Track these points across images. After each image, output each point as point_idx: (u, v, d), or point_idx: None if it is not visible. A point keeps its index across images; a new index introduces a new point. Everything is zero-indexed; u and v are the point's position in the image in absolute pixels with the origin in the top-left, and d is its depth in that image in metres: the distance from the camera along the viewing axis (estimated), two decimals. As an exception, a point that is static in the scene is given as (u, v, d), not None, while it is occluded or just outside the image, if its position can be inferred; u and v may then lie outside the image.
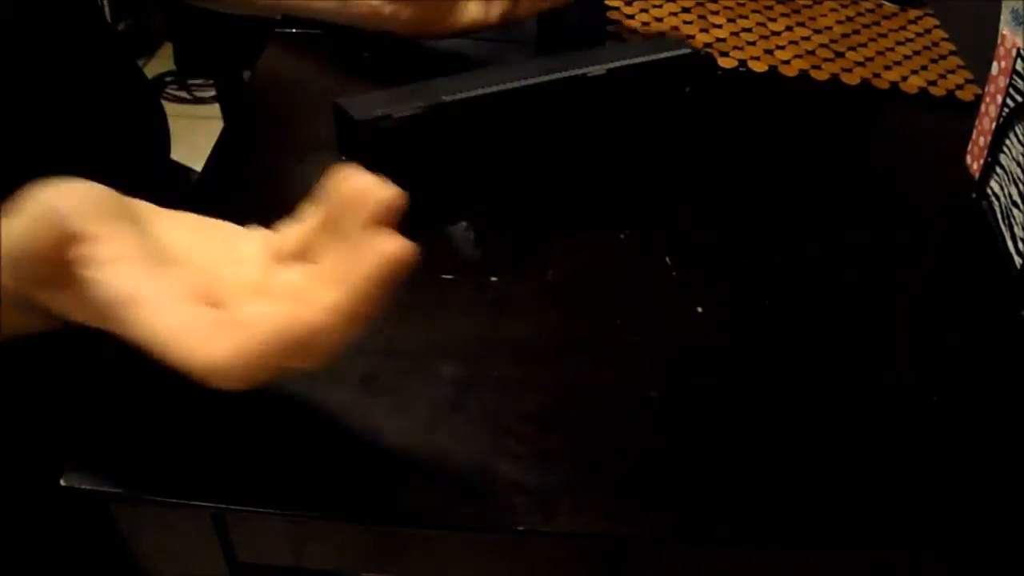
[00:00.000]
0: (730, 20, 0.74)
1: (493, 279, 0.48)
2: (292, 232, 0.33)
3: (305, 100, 0.60)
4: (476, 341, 0.44)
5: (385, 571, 0.46)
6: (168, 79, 2.09)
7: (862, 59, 0.71)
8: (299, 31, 0.66)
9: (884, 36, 0.75)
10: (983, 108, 0.59)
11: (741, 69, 0.68)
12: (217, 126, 0.63)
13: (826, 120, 0.67)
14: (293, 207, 0.34)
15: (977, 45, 0.67)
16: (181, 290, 0.30)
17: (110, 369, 0.41)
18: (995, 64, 0.58)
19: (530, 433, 0.40)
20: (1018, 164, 0.53)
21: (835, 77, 0.68)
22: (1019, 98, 0.53)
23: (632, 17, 0.73)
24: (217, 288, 0.31)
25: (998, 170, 0.55)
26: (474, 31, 0.62)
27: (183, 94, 2.07)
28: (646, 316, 0.47)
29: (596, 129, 0.59)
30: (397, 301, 0.46)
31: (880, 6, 0.79)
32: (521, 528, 0.37)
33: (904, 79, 0.69)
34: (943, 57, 0.73)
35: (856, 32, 0.75)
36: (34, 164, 0.34)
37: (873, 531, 0.38)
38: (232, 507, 0.37)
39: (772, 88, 0.67)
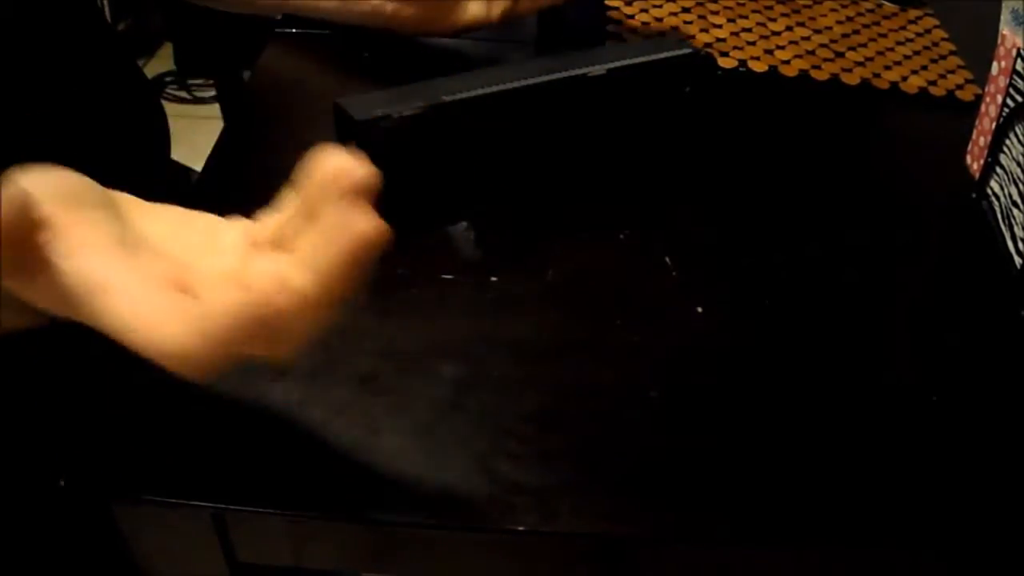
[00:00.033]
0: (730, 20, 0.74)
1: (493, 279, 0.48)
2: (271, 220, 0.33)
3: (305, 100, 0.60)
4: (476, 341, 0.44)
5: (385, 571, 0.46)
6: (168, 79, 2.09)
7: (862, 59, 0.71)
8: (299, 31, 0.66)
9: (884, 36, 0.75)
10: (983, 108, 0.59)
11: (741, 69, 0.68)
12: (217, 126, 0.63)
13: (826, 120, 0.67)
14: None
15: (977, 45, 0.67)
16: (151, 277, 0.29)
17: (110, 369, 0.41)
18: (995, 64, 0.57)
19: (530, 433, 0.40)
20: (1018, 164, 0.53)
21: (835, 77, 0.68)
22: (1019, 98, 0.53)
23: (632, 17, 0.73)
24: (191, 277, 0.31)
25: (998, 170, 0.55)
26: (475, 30, 0.62)
27: (183, 94, 2.07)
28: (646, 316, 0.47)
29: (596, 129, 0.59)
30: (397, 301, 0.47)
31: (880, 6, 0.79)
32: (521, 528, 0.37)
33: (904, 79, 0.69)
34: (943, 57, 0.73)
35: (856, 32, 0.75)
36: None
37: (873, 531, 0.38)
38: (232, 507, 0.37)
39: (772, 88, 0.67)
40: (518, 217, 0.53)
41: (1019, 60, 0.53)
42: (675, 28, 0.72)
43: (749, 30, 0.73)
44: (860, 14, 0.78)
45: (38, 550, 0.53)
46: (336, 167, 0.30)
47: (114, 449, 0.38)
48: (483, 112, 0.53)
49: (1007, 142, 0.54)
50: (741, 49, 0.70)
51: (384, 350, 0.43)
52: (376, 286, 0.48)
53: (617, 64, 0.57)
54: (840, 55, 0.71)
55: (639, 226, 0.53)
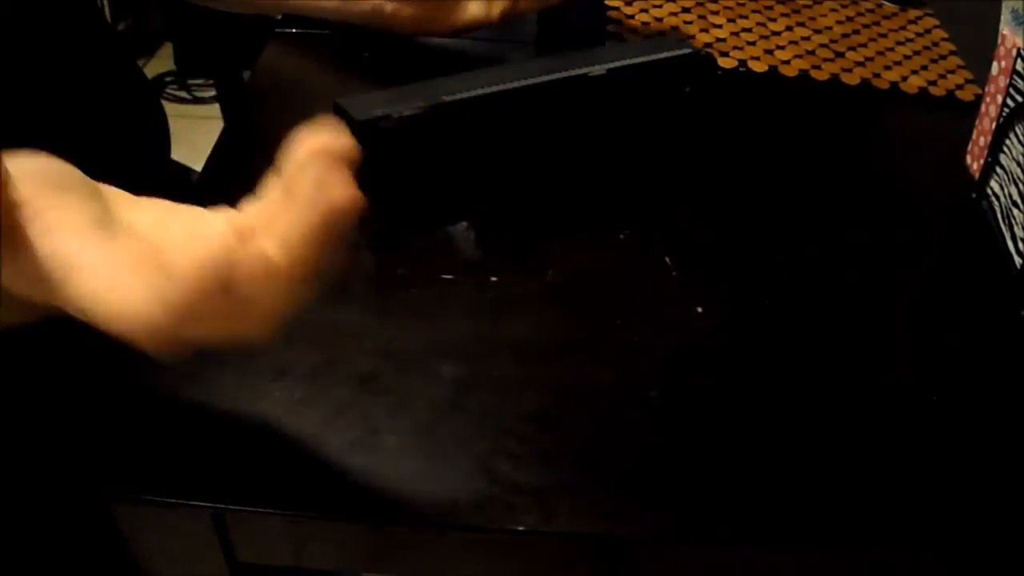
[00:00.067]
0: (730, 20, 0.74)
1: (493, 279, 0.48)
2: (254, 207, 0.33)
3: (305, 100, 0.60)
4: (476, 341, 0.44)
5: (385, 571, 0.46)
6: (168, 79, 2.09)
7: (862, 59, 0.71)
8: (299, 31, 0.66)
9: (884, 36, 0.75)
10: (983, 108, 0.59)
11: (741, 69, 0.68)
12: (217, 126, 0.63)
13: (826, 120, 0.67)
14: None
15: (977, 45, 0.67)
16: (124, 256, 0.29)
17: (110, 369, 0.41)
18: (995, 64, 0.57)
19: (530, 433, 0.40)
20: (1018, 164, 0.53)
21: (835, 77, 0.68)
22: (1019, 98, 0.53)
23: (632, 17, 0.73)
24: (167, 259, 0.31)
25: (998, 170, 0.55)
26: (475, 30, 0.62)
27: (183, 94, 2.07)
28: (646, 316, 0.47)
29: (596, 129, 0.59)
30: (397, 301, 0.47)
31: (880, 6, 0.79)
32: (521, 528, 0.37)
33: (904, 79, 0.69)
34: (943, 57, 0.73)
35: (856, 32, 0.75)
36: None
37: (873, 531, 0.38)
38: (232, 507, 0.37)
39: (772, 88, 0.67)
40: (518, 217, 0.53)
41: (1019, 60, 0.53)
42: (675, 28, 0.72)
43: (749, 30, 0.73)
44: (860, 14, 0.78)
45: (38, 550, 0.53)
46: (314, 141, 0.30)
47: (114, 449, 0.38)
48: (483, 112, 0.53)
49: (1007, 142, 0.54)
50: (741, 49, 0.70)
51: (384, 350, 0.43)
52: (376, 286, 0.48)
53: (617, 64, 0.57)
54: (840, 55, 0.71)
55: (639, 226, 0.53)
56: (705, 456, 0.40)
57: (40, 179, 0.30)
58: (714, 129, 0.63)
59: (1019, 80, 0.53)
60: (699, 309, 0.48)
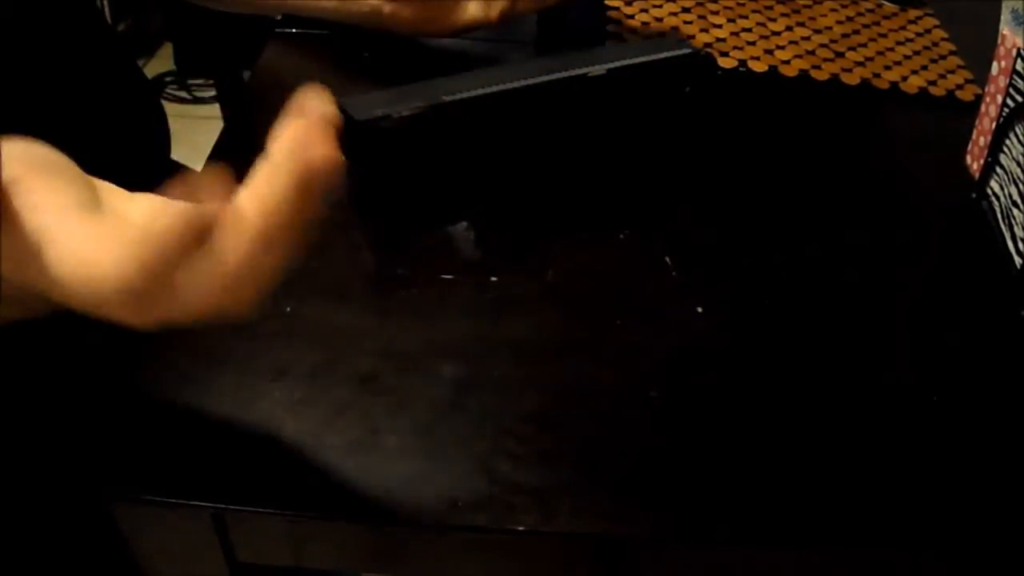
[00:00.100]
0: (730, 20, 0.74)
1: (493, 279, 0.48)
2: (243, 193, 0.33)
3: (305, 100, 0.60)
4: (476, 341, 0.44)
5: (385, 571, 0.46)
6: (168, 79, 2.09)
7: (862, 59, 0.71)
8: (299, 31, 0.66)
9: (884, 36, 0.75)
10: (983, 108, 0.59)
11: (741, 69, 0.68)
12: (217, 126, 0.63)
13: (826, 120, 0.67)
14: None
15: (977, 45, 0.67)
16: (103, 231, 0.29)
17: (110, 369, 0.41)
18: (995, 64, 0.57)
19: (530, 433, 0.40)
20: (1018, 164, 0.53)
21: (835, 77, 0.68)
22: (1019, 98, 0.53)
23: (632, 17, 0.73)
24: (142, 224, 0.30)
25: (998, 170, 0.55)
26: (474, 30, 0.62)
27: (183, 94, 2.07)
28: (646, 316, 0.47)
29: (596, 129, 0.59)
30: (397, 301, 0.47)
31: (880, 6, 0.79)
32: (521, 528, 0.37)
33: (904, 79, 0.69)
34: (943, 57, 0.73)
35: (856, 32, 0.75)
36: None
37: (873, 531, 0.38)
38: (232, 507, 0.37)
39: (772, 88, 0.67)
40: (518, 217, 0.53)
41: (1019, 60, 0.53)
42: (675, 28, 0.72)
43: (749, 30, 0.73)
44: (860, 14, 0.78)
45: (38, 550, 0.53)
46: (296, 108, 0.30)
47: (114, 449, 0.38)
48: (483, 112, 0.53)
49: (1007, 142, 0.54)
50: (741, 49, 0.70)
51: (384, 350, 0.43)
52: (376, 286, 0.48)
53: (617, 64, 0.57)
54: (840, 55, 0.71)
55: (639, 226, 0.53)
56: (705, 456, 0.40)
57: (29, 161, 0.30)
58: (714, 129, 0.63)
59: (1019, 80, 0.53)
60: (699, 309, 0.48)
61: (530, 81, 0.54)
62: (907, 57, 0.72)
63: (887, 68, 0.70)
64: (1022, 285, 0.51)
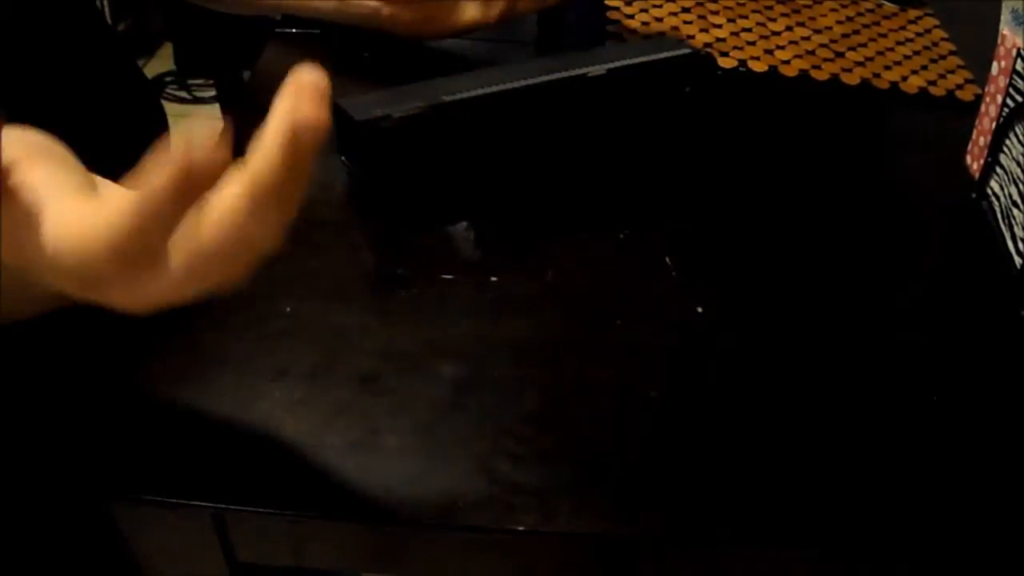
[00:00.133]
0: (730, 20, 0.74)
1: (493, 279, 0.48)
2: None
3: (305, 100, 0.60)
4: (476, 341, 0.44)
5: (385, 571, 0.46)
6: (168, 79, 2.09)
7: (862, 59, 0.71)
8: (299, 31, 0.66)
9: (884, 36, 0.75)
10: (983, 108, 0.59)
11: (741, 69, 0.68)
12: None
13: (826, 120, 0.67)
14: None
15: (977, 45, 0.67)
16: (99, 206, 0.29)
17: (110, 369, 0.41)
18: (995, 64, 0.57)
19: (530, 433, 0.40)
20: (1018, 164, 0.53)
21: (835, 77, 0.68)
22: (1019, 98, 0.53)
23: (632, 17, 0.73)
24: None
25: (998, 170, 0.55)
26: (473, 31, 0.62)
27: (183, 94, 2.07)
28: (646, 316, 0.47)
29: (596, 129, 0.59)
30: (397, 301, 0.47)
31: (880, 6, 0.79)
32: (521, 528, 0.37)
33: (904, 79, 0.69)
34: (943, 57, 0.73)
35: (856, 32, 0.75)
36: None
37: (873, 531, 0.38)
38: (232, 507, 0.37)
39: (772, 88, 0.67)
40: (518, 217, 0.53)
41: (1019, 60, 0.53)
42: (675, 28, 0.72)
43: (749, 30, 0.73)
44: (860, 14, 0.78)
45: (38, 550, 0.53)
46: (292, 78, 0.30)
47: (114, 449, 0.38)
48: (483, 112, 0.53)
49: (1007, 142, 0.54)
50: (741, 49, 0.70)
51: (384, 350, 0.43)
52: (376, 286, 0.48)
53: (617, 64, 0.57)
54: (840, 55, 0.71)
55: (639, 226, 0.53)
56: (705, 456, 0.40)
57: (29, 146, 0.31)
58: (714, 129, 0.63)
59: (1019, 80, 0.53)
60: (699, 309, 0.48)
61: (530, 81, 0.54)
62: (907, 57, 0.72)
63: (887, 68, 0.70)
64: (1022, 285, 0.51)
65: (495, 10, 0.61)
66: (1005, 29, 0.56)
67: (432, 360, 0.43)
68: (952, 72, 0.71)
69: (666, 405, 0.42)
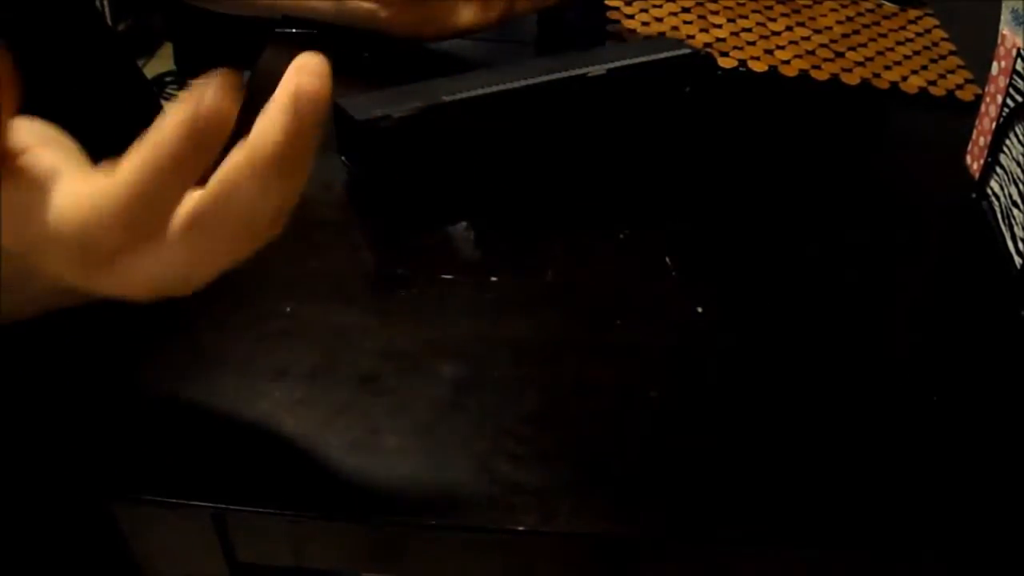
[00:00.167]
0: (730, 20, 0.74)
1: (493, 279, 0.48)
2: None
3: (305, 100, 0.60)
4: (476, 341, 0.44)
5: (385, 571, 0.46)
6: (168, 79, 2.09)
7: (862, 59, 0.71)
8: (299, 31, 0.66)
9: (884, 36, 0.75)
10: (983, 108, 0.59)
11: (741, 69, 0.68)
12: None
13: (826, 120, 0.67)
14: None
15: (977, 45, 0.67)
16: (104, 179, 0.29)
17: (110, 369, 0.41)
18: (995, 64, 0.58)
19: (530, 433, 0.40)
20: (1018, 164, 0.53)
21: (835, 77, 0.68)
22: (1019, 98, 0.53)
23: (632, 17, 0.73)
24: None
25: (998, 170, 0.55)
26: (472, 33, 0.62)
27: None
28: (646, 316, 0.47)
29: (596, 129, 0.59)
30: (397, 301, 0.47)
31: (880, 6, 0.79)
32: (521, 528, 0.37)
33: (904, 79, 0.69)
34: (943, 57, 0.73)
35: (856, 32, 0.75)
36: None
37: (873, 531, 0.38)
38: (232, 507, 0.37)
39: (772, 88, 0.67)
40: (518, 217, 0.53)
41: (1019, 60, 0.53)
42: (675, 28, 0.72)
43: (749, 30, 0.73)
44: (860, 14, 0.78)
45: (38, 550, 0.53)
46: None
47: (114, 449, 0.38)
48: (483, 112, 0.53)
49: (1007, 142, 0.54)
50: (741, 49, 0.70)
51: (384, 350, 0.43)
52: (376, 286, 0.48)
53: (617, 64, 0.57)
54: (840, 55, 0.71)
55: (639, 226, 0.53)
56: (705, 456, 0.40)
57: (38, 136, 0.31)
58: (714, 129, 0.63)
59: (1019, 80, 0.53)
60: (699, 309, 0.48)
61: (530, 81, 0.54)
62: (907, 57, 0.72)
63: (887, 68, 0.70)
64: (1022, 285, 0.51)
65: (494, 11, 0.61)
66: (1005, 29, 0.56)
67: (432, 360, 0.43)
68: (952, 72, 0.71)
69: (666, 405, 0.42)
